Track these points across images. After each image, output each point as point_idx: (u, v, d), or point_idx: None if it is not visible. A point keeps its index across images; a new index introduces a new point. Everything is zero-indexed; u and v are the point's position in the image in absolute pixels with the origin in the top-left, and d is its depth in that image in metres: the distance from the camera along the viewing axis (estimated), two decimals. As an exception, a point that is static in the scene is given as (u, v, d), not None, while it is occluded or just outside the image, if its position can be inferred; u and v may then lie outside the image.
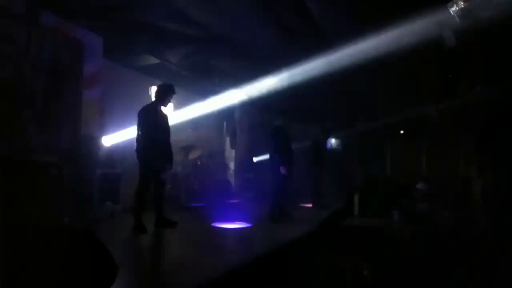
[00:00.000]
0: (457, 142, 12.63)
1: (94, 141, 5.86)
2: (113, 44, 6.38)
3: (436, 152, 12.96)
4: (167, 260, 3.71)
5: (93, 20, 5.81)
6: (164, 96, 4.89)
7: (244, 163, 10.71)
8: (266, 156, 6.31)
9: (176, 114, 7.68)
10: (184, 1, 5.41)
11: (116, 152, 6.14)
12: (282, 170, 5.82)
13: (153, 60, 7.33)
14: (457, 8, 4.92)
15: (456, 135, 12.41)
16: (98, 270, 2.06)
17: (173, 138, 5.11)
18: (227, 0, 5.36)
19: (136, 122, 4.73)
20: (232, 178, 10.03)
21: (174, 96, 5.08)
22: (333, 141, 12.67)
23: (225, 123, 10.68)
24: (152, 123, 4.71)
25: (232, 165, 10.50)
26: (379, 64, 7.68)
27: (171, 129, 5.08)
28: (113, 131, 6.33)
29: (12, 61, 4.91)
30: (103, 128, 6.29)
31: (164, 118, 5.00)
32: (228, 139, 10.70)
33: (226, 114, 10.61)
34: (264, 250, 3.95)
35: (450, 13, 5.02)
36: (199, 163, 8.27)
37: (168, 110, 5.70)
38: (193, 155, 8.17)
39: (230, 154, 10.71)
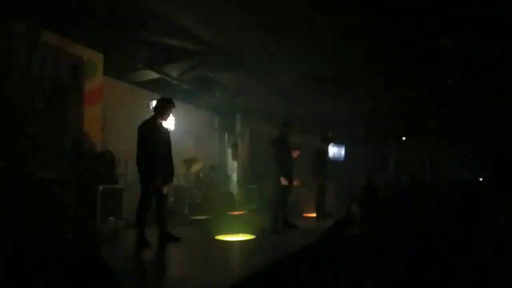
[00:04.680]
0: (460, 147, 12.64)
1: (96, 157, 5.88)
2: (113, 60, 6.44)
3: (439, 157, 12.96)
4: (171, 275, 3.70)
5: (93, 38, 5.87)
6: (163, 110, 4.90)
7: (247, 175, 10.70)
8: (268, 167, 6.30)
9: (177, 128, 7.71)
10: (183, 16, 5.47)
11: (118, 167, 6.15)
12: (282, 180, 5.81)
13: (153, 75, 7.38)
14: None
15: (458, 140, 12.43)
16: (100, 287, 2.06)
17: (174, 151, 5.13)
18: (226, 14, 5.41)
19: (137, 137, 4.76)
20: (234, 190, 10.01)
21: (175, 110, 5.12)
22: (335, 149, 12.67)
23: (226, 135, 10.72)
24: (153, 138, 4.73)
25: (234, 177, 10.49)
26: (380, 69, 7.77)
27: (172, 143, 5.10)
28: (115, 146, 6.35)
29: (14, 80, 4.96)
30: (104, 144, 6.31)
31: (165, 132, 5.02)
32: (230, 151, 10.71)
33: (227, 126, 10.66)
34: (268, 262, 3.93)
35: None
36: (201, 175, 8.27)
37: (168, 124, 5.73)
38: (195, 168, 8.17)
39: (233, 165, 10.71)
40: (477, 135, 11.39)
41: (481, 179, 10.82)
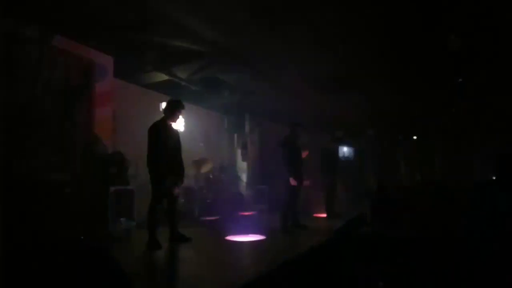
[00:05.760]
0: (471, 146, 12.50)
1: (107, 158, 5.94)
2: (123, 62, 6.50)
3: (450, 157, 12.82)
4: (182, 276, 3.71)
5: (103, 41, 5.93)
6: (173, 111, 4.94)
7: (256, 175, 10.70)
8: (277, 167, 6.30)
9: (186, 129, 7.75)
10: (192, 18, 5.50)
11: (129, 168, 6.20)
12: (291, 181, 5.80)
13: (163, 77, 7.43)
14: None
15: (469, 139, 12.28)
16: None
17: (184, 152, 5.15)
18: (234, 15, 5.42)
19: (147, 138, 4.79)
20: (244, 191, 10.02)
21: (184, 111, 5.14)
22: (345, 149, 12.61)
23: (236, 136, 10.73)
24: (163, 139, 4.76)
25: (244, 178, 10.50)
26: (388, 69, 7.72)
27: (182, 144, 5.13)
28: (125, 148, 6.40)
29: (25, 84, 5.03)
30: (115, 146, 6.37)
31: (175, 133, 5.05)
32: (239, 152, 10.72)
33: (237, 127, 10.67)
34: (278, 262, 3.93)
35: None
36: (211, 176, 8.29)
37: (178, 125, 5.76)
38: (205, 169, 8.19)
39: (242, 166, 10.73)
40: (489, 134, 11.25)
41: (494, 178, 10.68)
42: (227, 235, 5.46)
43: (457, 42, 5.46)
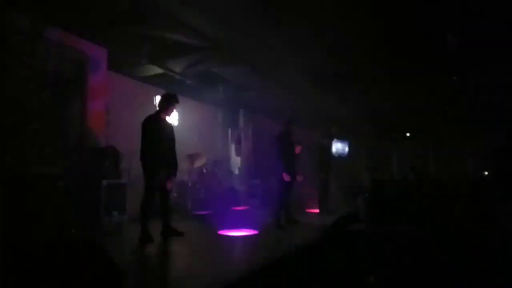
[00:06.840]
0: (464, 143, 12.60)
1: (99, 151, 5.90)
2: (117, 55, 6.44)
3: (443, 154, 12.92)
4: (174, 269, 3.72)
5: (97, 33, 5.87)
6: (167, 105, 4.92)
7: (250, 170, 10.71)
8: (270, 163, 6.31)
9: (180, 123, 7.72)
10: (187, 10, 5.46)
11: (122, 162, 6.17)
12: (285, 176, 5.82)
13: (157, 70, 7.38)
14: None
15: (462, 136, 12.38)
16: (103, 281, 2.07)
17: (178, 146, 5.14)
18: (229, 8, 5.39)
19: (140, 132, 4.77)
20: (238, 185, 10.02)
21: (178, 105, 5.12)
22: (338, 145, 12.65)
23: (230, 131, 10.71)
24: (157, 133, 4.75)
25: (237, 172, 10.50)
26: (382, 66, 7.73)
27: (176, 138, 5.12)
28: (119, 141, 6.36)
29: (18, 75, 4.97)
30: (108, 139, 6.33)
31: (169, 127, 5.04)
32: (233, 146, 10.72)
33: (231, 121, 10.66)
34: (271, 257, 3.94)
35: None
36: (204, 171, 8.28)
37: (172, 119, 5.74)
38: (198, 163, 8.18)
39: (236, 161, 10.73)
40: (482, 130, 11.34)
41: (486, 173, 10.78)
42: (219, 230, 5.47)
43: (454, 40, 5.49)
